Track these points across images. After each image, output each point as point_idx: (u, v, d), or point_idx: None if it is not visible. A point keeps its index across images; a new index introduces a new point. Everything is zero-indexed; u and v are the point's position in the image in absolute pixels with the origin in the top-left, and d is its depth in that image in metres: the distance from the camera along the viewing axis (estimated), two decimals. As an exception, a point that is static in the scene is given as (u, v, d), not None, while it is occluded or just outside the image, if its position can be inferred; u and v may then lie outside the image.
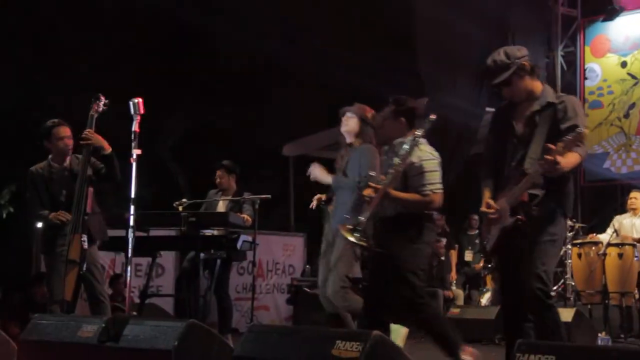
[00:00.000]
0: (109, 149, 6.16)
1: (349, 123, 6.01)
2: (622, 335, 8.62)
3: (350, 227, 5.07)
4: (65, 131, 6.35)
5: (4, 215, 11.82)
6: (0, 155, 12.15)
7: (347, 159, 6.03)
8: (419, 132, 5.10)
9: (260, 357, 3.82)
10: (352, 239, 5.03)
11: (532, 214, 4.31)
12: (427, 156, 5.21)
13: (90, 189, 6.11)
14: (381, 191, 5.03)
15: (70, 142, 6.36)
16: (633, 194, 9.60)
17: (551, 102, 4.38)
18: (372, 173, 5.31)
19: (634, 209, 9.45)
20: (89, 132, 6.13)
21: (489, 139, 4.75)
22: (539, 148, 4.27)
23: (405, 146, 5.10)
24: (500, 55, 4.44)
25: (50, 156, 6.42)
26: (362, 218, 5.05)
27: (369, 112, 6.03)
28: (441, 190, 5.23)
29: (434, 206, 5.24)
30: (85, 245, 5.86)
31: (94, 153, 6.18)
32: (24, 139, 12.34)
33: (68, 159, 6.38)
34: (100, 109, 6.15)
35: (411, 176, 5.16)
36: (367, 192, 5.11)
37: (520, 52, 4.48)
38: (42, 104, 12.56)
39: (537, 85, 4.49)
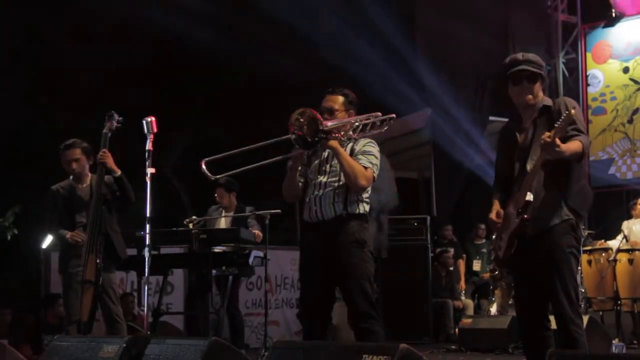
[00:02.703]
0: (118, 172, 6.13)
1: None
2: (635, 342, 8.59)
3: None
4: (72, 154, 6.31)
5: (9, 237, 11.74)
6: (5, 177, 12.11)
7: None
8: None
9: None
10: None
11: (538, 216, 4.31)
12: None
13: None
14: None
15: (76, 166, 6.31)
16: (640, 200, 9.59)
17: (547, 106, 4.49)
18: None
19: (641, 214, 9.43)
20: (104, 152, 6.10)
21: (498, 157, 4.81)
22: (539, 148, 4.30)
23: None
24: (536, 56, 4.55)
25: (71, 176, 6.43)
26: None
27: None
28: (375, 173, 4.84)
29: (369, 183, 4.80)
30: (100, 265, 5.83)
31: (107, 173, 6.15)
32: (28, 160, 12.35)
33: (88, 179, 6.36)
34: (114, 127, 6.11)
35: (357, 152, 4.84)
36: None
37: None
38: (47, 124, 12.56)
39: (541, 95, 4.58)
